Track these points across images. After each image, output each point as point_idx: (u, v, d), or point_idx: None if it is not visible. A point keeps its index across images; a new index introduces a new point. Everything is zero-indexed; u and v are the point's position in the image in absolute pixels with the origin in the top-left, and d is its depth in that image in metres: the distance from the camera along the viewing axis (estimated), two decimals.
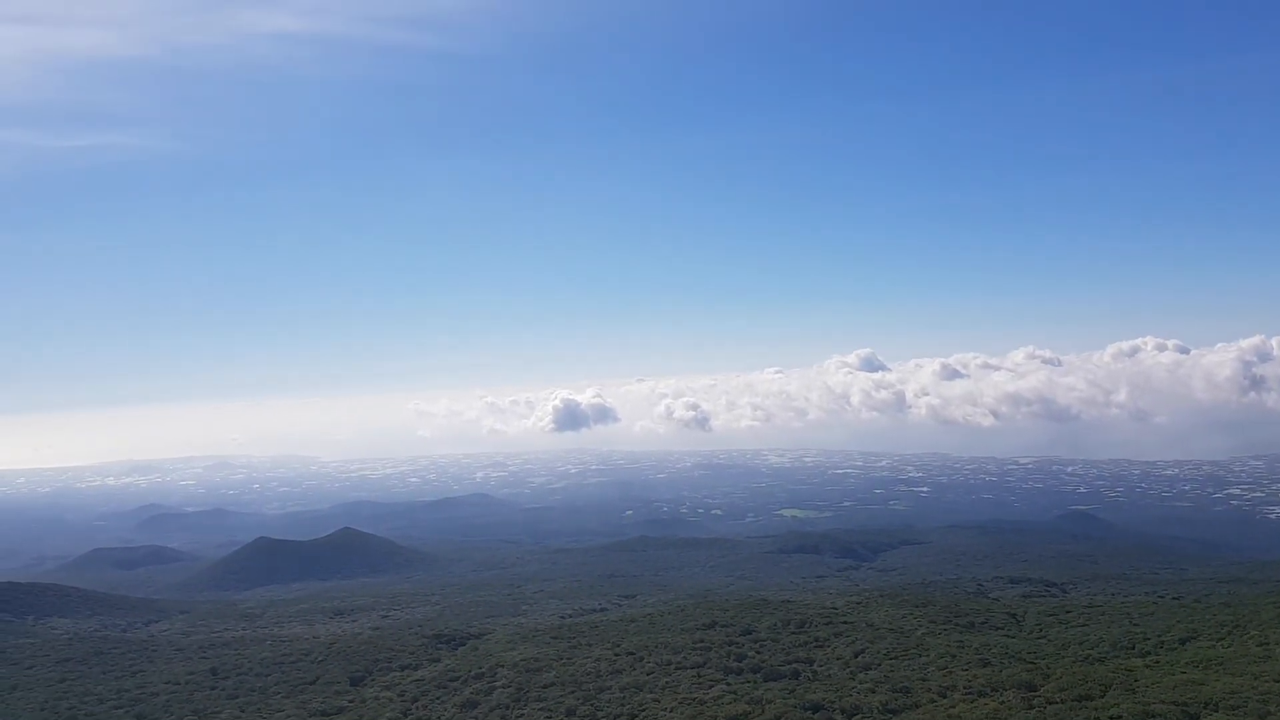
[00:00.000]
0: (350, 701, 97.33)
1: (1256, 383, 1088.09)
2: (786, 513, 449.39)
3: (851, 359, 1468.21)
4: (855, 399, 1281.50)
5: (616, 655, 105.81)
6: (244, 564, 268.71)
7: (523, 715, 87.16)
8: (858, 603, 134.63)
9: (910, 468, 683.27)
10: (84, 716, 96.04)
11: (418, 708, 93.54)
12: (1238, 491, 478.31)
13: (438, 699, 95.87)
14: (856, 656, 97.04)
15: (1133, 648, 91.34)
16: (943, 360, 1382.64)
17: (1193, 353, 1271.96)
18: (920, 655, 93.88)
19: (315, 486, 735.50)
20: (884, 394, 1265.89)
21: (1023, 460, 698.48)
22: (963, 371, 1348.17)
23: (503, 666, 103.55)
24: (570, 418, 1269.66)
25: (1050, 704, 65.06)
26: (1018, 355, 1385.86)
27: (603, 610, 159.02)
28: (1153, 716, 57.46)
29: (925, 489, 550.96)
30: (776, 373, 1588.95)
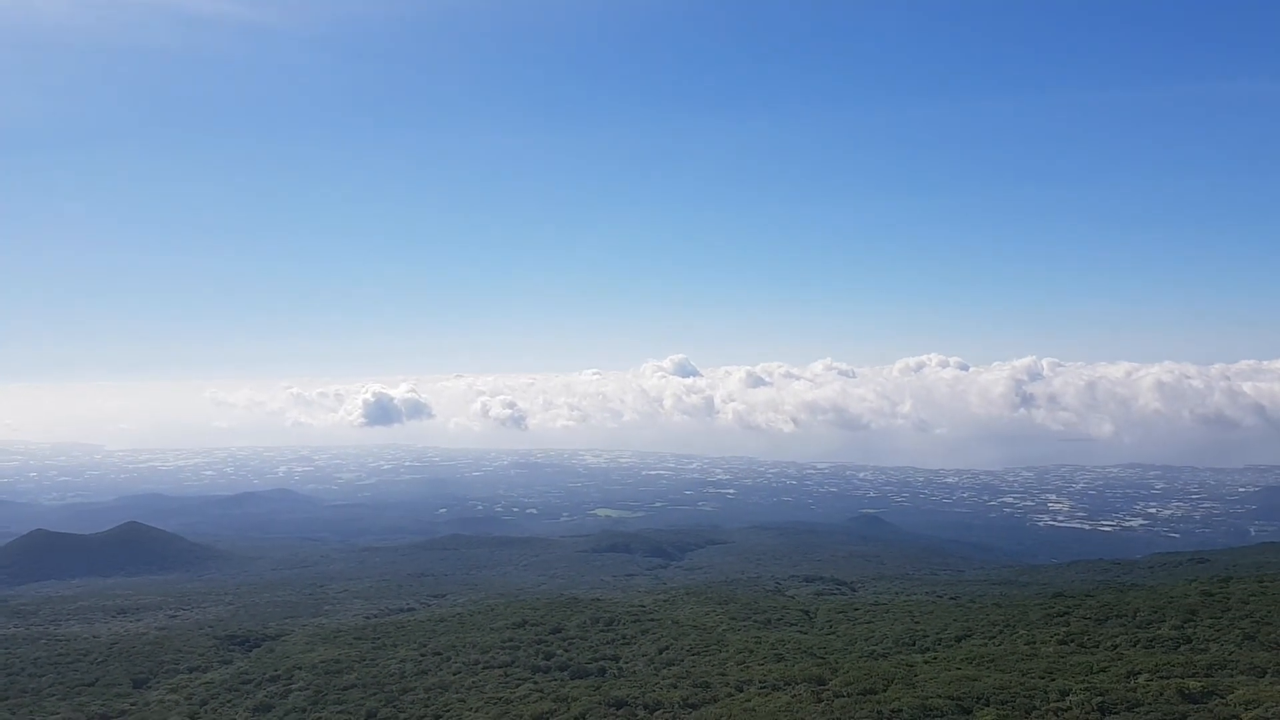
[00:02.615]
0: (132, 705, 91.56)
1: (1027, 399, 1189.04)
2: (601, 512, 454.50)
3: (666, 364, 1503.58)
4: (668, 402, 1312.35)
5: (423, 655, 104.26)
6: (17, 557, 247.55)
7: (320, 718, 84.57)
8: (664, 600, 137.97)
9: (719, 470, 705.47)
10: None
11: (206, 711, 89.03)
12: (1011, 500, 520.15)
13: (228, 702, 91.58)
14: (661, 653, 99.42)
15: (914, 644, 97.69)
16: (749, 368, 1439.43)
17: (971, 370, 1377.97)
18: (720, 651, 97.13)
19: (99, 477, 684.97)
20: (695, 398, 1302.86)
21: (820, 465, 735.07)
22: (767, 379, 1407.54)
23: (300, 669, 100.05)
24: (382, 412, 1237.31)
25: (838, 697, 68.72)
26: (817, 366, 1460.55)
27: (410, 610, 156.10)
28: (931, 710, 61.81)
29: (731, 491, 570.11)
30: (595, 374, 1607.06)
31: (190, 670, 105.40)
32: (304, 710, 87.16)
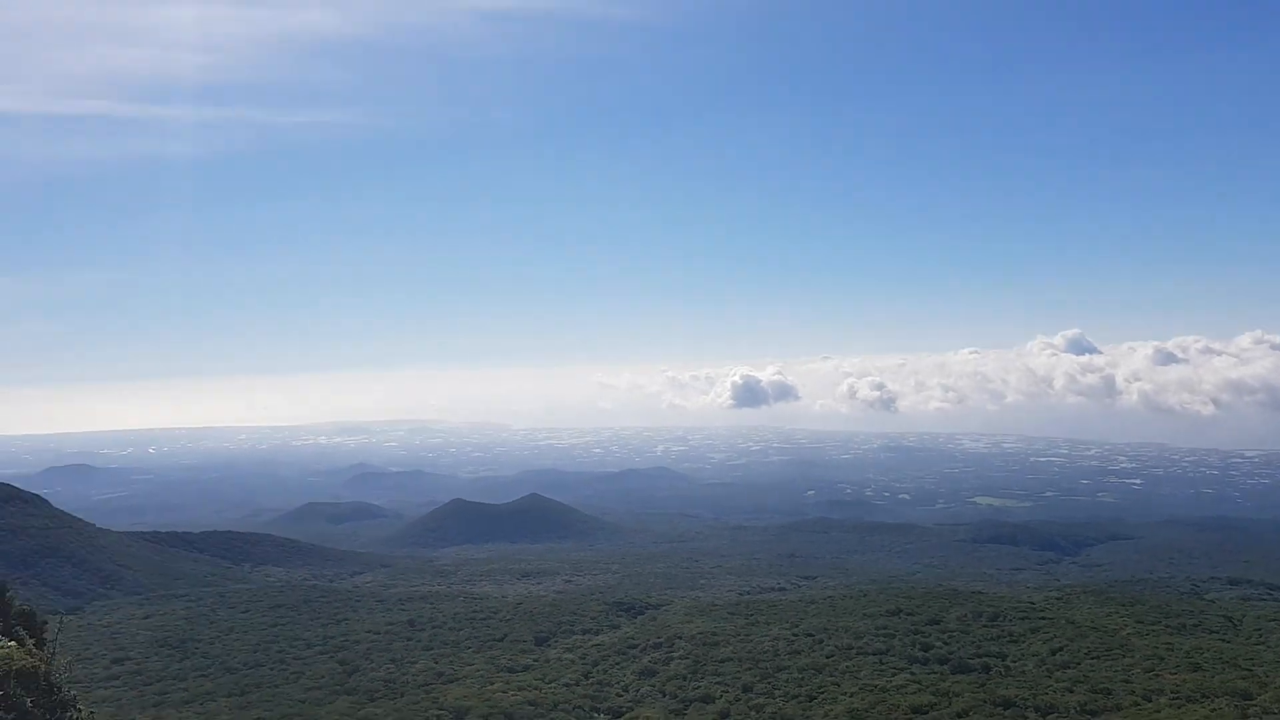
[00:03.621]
0: (535, 660, 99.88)
1: None
2: (981, 500, 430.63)
3: (1057, 340, 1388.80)
4: (1059, 383, 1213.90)
5: (795, 635, 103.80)
6: (440, 523, 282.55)
7: (699, 687, 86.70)
8: (1057, 598, 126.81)
9: (1121, 457, 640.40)
10: (292, 659, 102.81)
11: (598, 671, 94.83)
12: None
13: (617, 664, 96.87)
14: (1054, 654, 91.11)
15: None
16: (1157, 344, 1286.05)
17: None
18: (1125, 656, 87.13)
19: (505, 453, 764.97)
20: (1091, 378, 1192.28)
21: (1248, 453, 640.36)
22: (1181, 356, 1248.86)
23: (680, 638, 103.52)
24: (750, 395, 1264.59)
25: (1267, 714, 58.82)
26: (1244, 339, 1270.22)
27: (781, 590, 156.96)
28: None
29: (1137, 481, 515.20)
30: (972, 353, 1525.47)
31: (584, 632, 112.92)
32: (684, 678, 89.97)
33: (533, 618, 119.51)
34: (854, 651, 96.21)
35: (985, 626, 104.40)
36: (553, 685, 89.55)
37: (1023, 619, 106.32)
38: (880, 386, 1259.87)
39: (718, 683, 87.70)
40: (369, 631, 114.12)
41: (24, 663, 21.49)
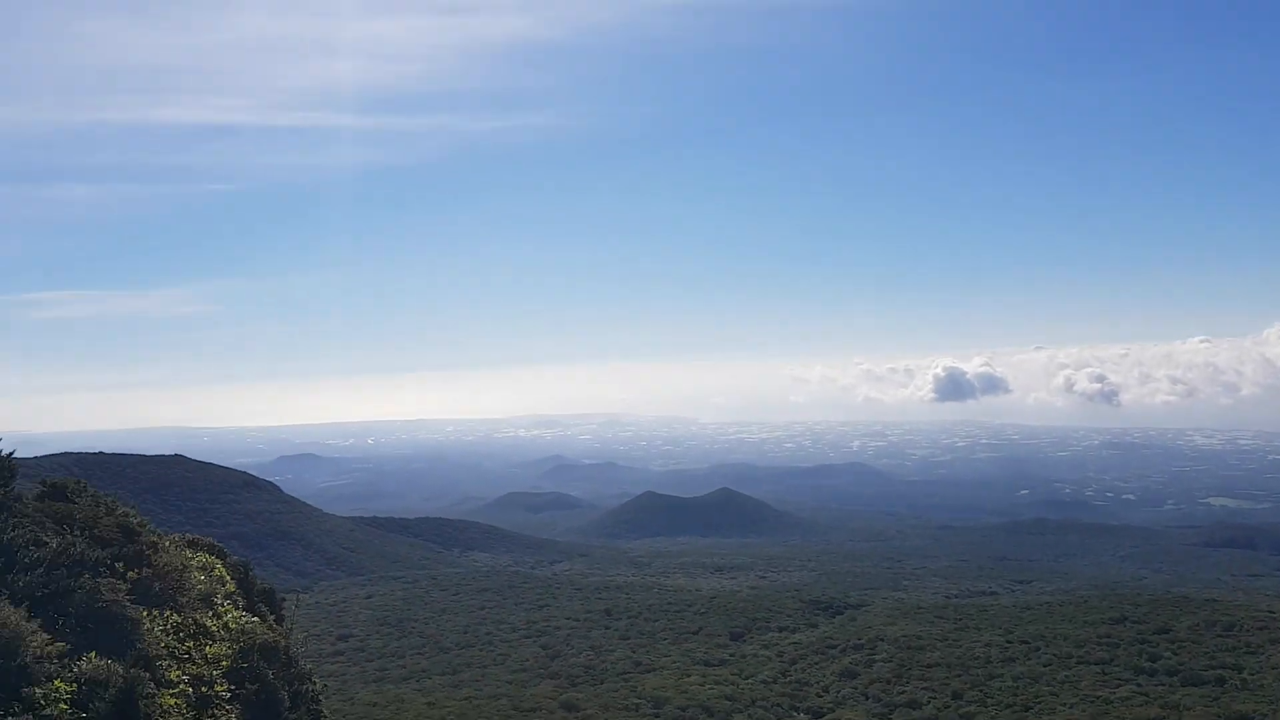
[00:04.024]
0: (730, 655, 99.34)
1: None
2: (1215, 501, 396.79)
3: None
4: None
5: (1009, 642, 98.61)
6: (633, 515, 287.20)
7: (904, 692, 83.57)
8: None
9: None
10: (499, 642, 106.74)
11: (796, 670, 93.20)
12: None
13: (815, 664, 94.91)
14: None
15: None
16: None
17: None
18: None
19: (695, 447, 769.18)
20: None
21: None
22: None
23: (883, 640, 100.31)
24: (954, 388, 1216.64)
25: None
26: None
27: (992, 593, 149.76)
28: None
29: None
30: (1203, 342, 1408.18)
31: (780, 629, 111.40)
32: (888, 681, 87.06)
33: (727, 612, 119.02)
34: (1073, 660, 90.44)
35: (1219, 636, 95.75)
36: (749, 681, 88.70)
37: (1261, 629, 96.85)
38: (1100, 378, 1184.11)
39: (924, 688, 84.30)
40: (569, 618, 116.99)
41: (266, 637, 22.72)
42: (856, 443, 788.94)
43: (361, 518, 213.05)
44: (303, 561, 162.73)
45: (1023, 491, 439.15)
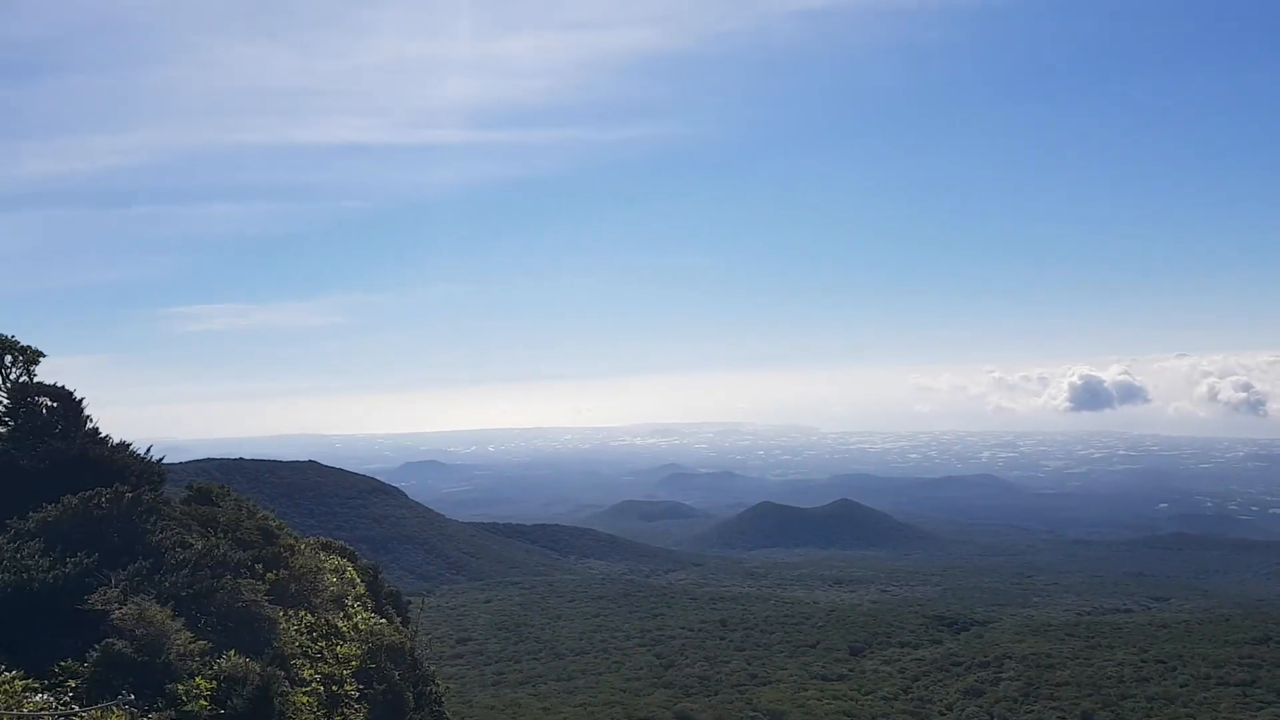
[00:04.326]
0: (850, 670, 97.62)
1: None
2: None
3: None
4: None
5: (1143, 662, 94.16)
6: (749, 525, 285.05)
7: (1032, 711, 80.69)
8: None
9: None
10: (613, 649, 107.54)
11: (918, 687, 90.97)
12: None
13: (939, 681, 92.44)
14: None
15: None
16: None
17: None
18: None
19: (814, 456, 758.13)
20: None
21: None
22: None
23: (1010, 658, 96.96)
24: (1090, 396, 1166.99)
25: None
26: None
27: (1127, 611, 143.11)
28: None
29: None
30: None
31: (902, 645, 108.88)
32: (1015, 701, 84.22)
33: (847, 626, 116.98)
34: (1212, 681, 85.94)
35: None
36: (869, 698, 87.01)
37: None
38: (1247, 387, 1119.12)
39: (1053, 707, 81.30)
40: (683, 628, 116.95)
41: (393, 639, 23.54)
42: (986, 453, 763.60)
43: (481, 523, 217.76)
44: (425, 565, 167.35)
45: (1162, 505, 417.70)
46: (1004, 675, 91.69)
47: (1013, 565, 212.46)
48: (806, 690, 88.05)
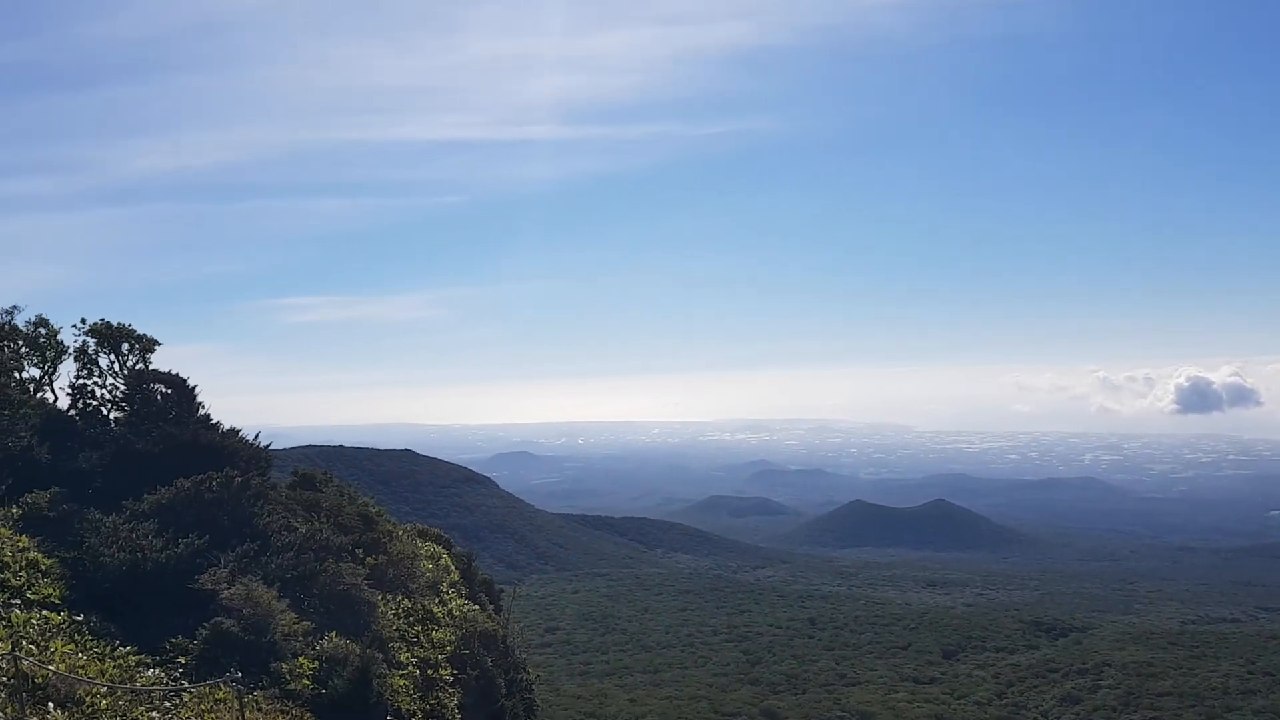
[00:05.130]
0: (942, 674, 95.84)
1: None
2: None
3: None
4: None
5: (1250, 674, 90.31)
6: (840, 524, 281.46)
7: None
8: None
9: None
10: (700, 644, 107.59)
11: (1013, 693, 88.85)
12: None
13: (1034, 688, 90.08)
14: None
15: None
16: None
17: None
18: None
19: (909, 455, 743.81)
20: None
21: None
22: None
23: (1109, 666, 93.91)
24: (1199, 398, 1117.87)
25: None
26: None
27: (1234, 621, 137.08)
28: None
29: None
30: None
31: (997, 650, 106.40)
32: (1114, 710, 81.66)
33: (940, 629, 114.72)
34: None
35: None
36: (962, 702, 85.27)
37: None
38: None
39: (1153, 718, 78.56)
40: (770, 625, 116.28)
41: (486, 626, 24.04)
42: (1088, 456, 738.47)
43: (570, 515, 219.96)
44: (515, 554, 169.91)
45: (1273, 512, 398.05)
46: (1103, 683, 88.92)
47: (1114, 571, 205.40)
48: (897, 692, 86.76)
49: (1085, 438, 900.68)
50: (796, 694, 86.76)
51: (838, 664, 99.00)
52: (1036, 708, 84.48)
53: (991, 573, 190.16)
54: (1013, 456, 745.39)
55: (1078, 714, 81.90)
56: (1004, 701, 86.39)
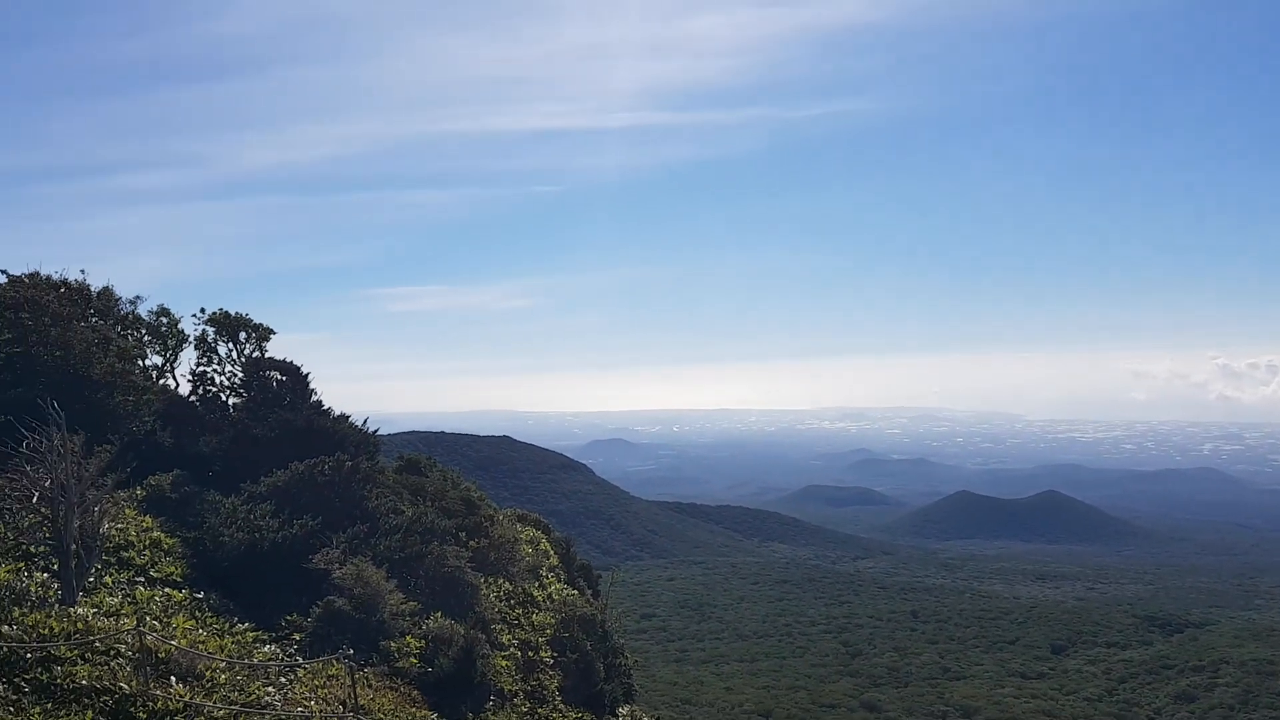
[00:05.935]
0: (1050, 669, 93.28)
1: None
2: None
3: None
4: None
5: None
6: (944, 515, 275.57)
7: None
8: None
9: None
10: (798, 634, 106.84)
11: (1124, 689, 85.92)
12: None
13: (1147, 684, 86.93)
14: None
15: None
16: None
17: None
18: None
19: (1018, 445, 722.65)
20: None
21: None
22: None
23: (1227, 663, 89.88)
24: None
25: None
26: None
27: None
28: None
29: None
30: None
31: (1108, 645, 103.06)
32: (1231, 708, 78.28)
33: (1049, 623, 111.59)
34: None
35: None
36: (1071, 698, 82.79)
37: None
38: None
39: (1273, 717, 74.95)
40: (870, 617, 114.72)
41: (585, 610, 24.36)
42: (1208, 446, 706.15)
43: (665, 502, 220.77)
44: (610, 540, 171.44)
45: None
46: (1220, 680, 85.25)
47: (1234, 565, 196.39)
48: (1003, 687, 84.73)
49: (1204, 427, 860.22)
50: (898, 687, 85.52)
51: (941, 657, 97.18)
52: (1149, 705, 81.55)
53: (1104, 566, 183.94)
54: (1128, 446, 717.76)
55: (1193, 712, 78.77)
56: (1115, 698, 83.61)
